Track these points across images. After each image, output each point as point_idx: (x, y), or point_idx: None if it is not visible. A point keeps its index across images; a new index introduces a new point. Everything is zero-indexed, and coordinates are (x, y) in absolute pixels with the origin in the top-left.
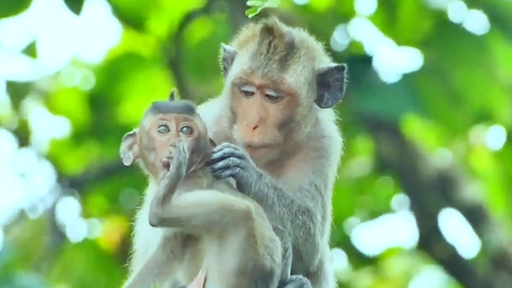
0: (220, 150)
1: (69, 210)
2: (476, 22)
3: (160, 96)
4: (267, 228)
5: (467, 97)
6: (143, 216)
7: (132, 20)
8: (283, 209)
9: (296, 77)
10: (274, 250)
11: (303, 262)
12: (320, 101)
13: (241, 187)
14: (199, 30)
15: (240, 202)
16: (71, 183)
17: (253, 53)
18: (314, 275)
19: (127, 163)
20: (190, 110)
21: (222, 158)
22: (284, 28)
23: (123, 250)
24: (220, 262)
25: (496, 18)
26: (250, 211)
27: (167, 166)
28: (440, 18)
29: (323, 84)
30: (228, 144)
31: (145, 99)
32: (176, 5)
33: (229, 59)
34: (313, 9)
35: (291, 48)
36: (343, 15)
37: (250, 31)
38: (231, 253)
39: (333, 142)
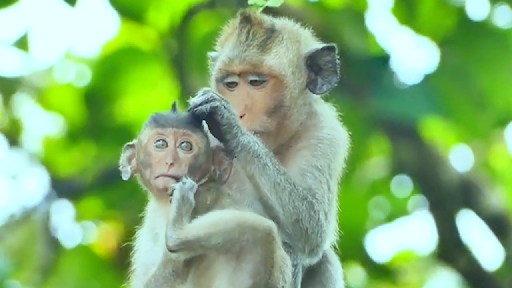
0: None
1: (63, 214)
2: (499, 18)
3: (160, 93)
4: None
5: (489, 99)
6: (142, 234)
7: (130, 11)
8: (279, 176)
9: (278, 59)
10: (285, 269)
11: (309, 242)
12: (314, 87)
13: (226, 141)
14: (203, 25)
15: (262, 220)
16: (65, 186)
17: (233, 44)
18: None
19: (125, 177)
20: (191, 124)
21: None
22: (264, 16)
23: (119, 256)
24: (232, 282)
25: None
26: (273, 230)
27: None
28: (462, 15)
29: (314, 67)
30: (210, 89)
31: (144, 96)
32: None
33: (215, 64)
34: (327, 7)
35: (271, 32)
36: (358, 12)
37: (229, 27)
38: (246, 274)
39: (335, 132)
